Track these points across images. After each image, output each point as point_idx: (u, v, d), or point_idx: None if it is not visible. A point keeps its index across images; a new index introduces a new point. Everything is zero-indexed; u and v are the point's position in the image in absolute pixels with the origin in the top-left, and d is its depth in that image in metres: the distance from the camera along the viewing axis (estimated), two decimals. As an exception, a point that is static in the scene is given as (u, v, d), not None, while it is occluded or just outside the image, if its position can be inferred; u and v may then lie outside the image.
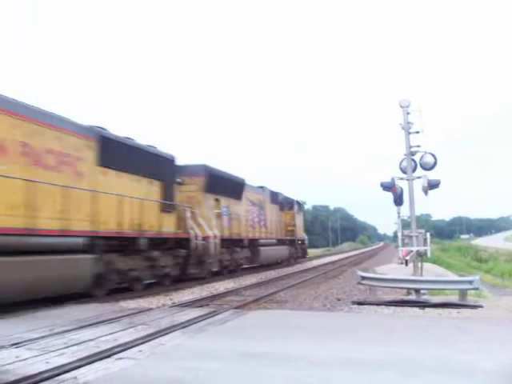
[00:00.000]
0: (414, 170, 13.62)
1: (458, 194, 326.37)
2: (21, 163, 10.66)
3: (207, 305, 12.65)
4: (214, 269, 20.55)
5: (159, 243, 16.20)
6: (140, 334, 7.70)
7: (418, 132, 13.54)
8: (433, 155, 13.40)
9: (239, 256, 24.01)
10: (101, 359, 6.06)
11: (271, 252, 28.56)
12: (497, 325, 9.20)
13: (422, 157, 13.48)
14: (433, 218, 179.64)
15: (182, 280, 18.08)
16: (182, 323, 8.77)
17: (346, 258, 45.49)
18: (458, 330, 8.12)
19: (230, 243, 22.27)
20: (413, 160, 13.60)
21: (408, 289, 13.25)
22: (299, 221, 36.88)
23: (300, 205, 39.85)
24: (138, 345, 6.93)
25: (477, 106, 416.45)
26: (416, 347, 6.64)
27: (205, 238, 18.68)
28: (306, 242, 40.02)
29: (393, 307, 11.54)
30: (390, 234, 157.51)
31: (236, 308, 11.39)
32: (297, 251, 35.87)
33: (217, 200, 21.67)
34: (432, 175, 13.48)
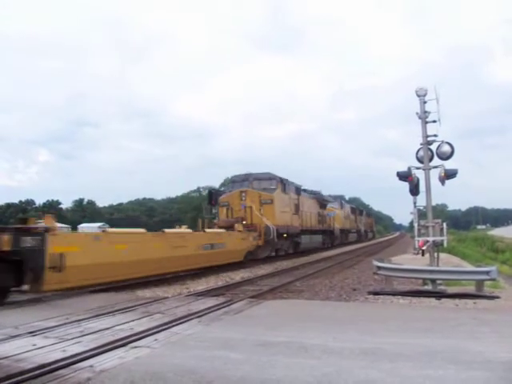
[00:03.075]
0: (431, 159, 13.46)
1: (474, 184, 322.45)
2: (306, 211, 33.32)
3: (223, 294, 12.67)
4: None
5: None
6: (156, 323, 7.75)
7: (434, 121, 13.34)
8: (450, 144, 13.21)
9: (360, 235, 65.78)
10: (117, 348, 6.11)
11: (369, 234, 77.14)
12: (514, 316, 9.12)
13: (438, 146, 13.30)
14: (449, 208, 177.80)
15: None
16: (197, 312, 8.81)
17: (362, 247, 45.36)
18: (475, 320, 8.04)
19: (359, 232, 63.64)
20: (429, 149, 13.44)
21: (424, 279, 13.14)
22: (372, 221, 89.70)
23: (370, 214, 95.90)
24: (153, 333, 6.97)
25: (491, 93, 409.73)
26: (432, 338, 6.59)
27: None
28: (375, 230, 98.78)
29: (409, 297, 11.46)
30: (405, 224, 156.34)
31: (252, 297, 11.39)
32: (373, 233, 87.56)
33: (354, 215, 59.18)
34: (449, 165, 13.32)
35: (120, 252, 13.13)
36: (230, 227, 22.03)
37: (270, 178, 26.76)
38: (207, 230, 19.90)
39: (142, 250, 14.14)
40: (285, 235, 26.93)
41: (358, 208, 70.23)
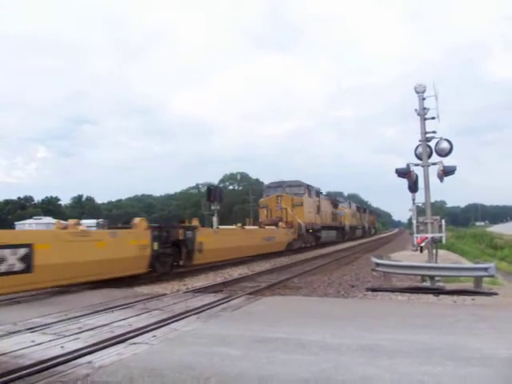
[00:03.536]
0: (430, 156, 13.44)
1: (473, 181, 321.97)
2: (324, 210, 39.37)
3: (221, 290, 12.68)
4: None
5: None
6: (154, 320, 7.75)
7: (433, 118, 13.31)
8: (448, 141, 13.17)
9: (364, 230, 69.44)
10: (115, 344, 6.12)
11: (372, 230, 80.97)
12: (512, 312, 9.13)
13: (437, 143, 13.26)
14: (447, 205, 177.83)
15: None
16: (195, 309, 8.82)
17: (360, 244, 45.35)
18: (473, 317, 8.05)
19: (364, 228, 69.03)
20: (428, 146, 13.42)
21: (423, 275, 13.13)
22: (374, 218, 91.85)
23: (372, 211, 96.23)
24: (152, 330, 6.98)
25: (490, 90, 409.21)
26: (431, 334, 6.59)
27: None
28: (377, 226, 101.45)
29: (407, 294, 11.47)
30: (404, 220, 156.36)
31: (250, 294, 11.39)
32: (375, 230, 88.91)
33: (359, 213, 65.22)
34: (447, 161, 13.29)
35: (226, 241, 19.72)
36: (273, 224, 28.19)
37: (299, 184, 34.12)
38: (266, 227, 26.71)
39: (236, 240, 21.10)
40: (310, 231, 33.56)
41: (362, 206, 78.83)
